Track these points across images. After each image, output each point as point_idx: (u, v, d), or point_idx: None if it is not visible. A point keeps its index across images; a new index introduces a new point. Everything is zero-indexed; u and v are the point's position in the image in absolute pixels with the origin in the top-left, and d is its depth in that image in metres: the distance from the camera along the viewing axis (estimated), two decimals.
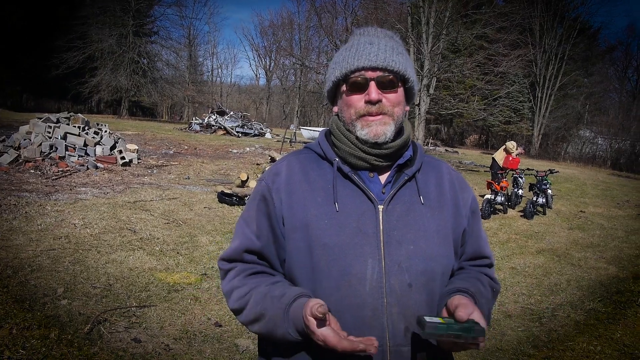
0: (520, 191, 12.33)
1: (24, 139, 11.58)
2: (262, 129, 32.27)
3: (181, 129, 30.47)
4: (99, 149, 12.54)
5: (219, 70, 67.28)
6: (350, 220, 1.32)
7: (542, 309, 5.46)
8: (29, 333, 3.70)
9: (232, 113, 33.39)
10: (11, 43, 34.99)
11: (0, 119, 21.26)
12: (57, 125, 12.11)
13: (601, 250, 8.56)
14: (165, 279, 5.30)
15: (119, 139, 13.54)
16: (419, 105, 23.18)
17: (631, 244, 9.27)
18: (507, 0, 31.68)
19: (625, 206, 14.86)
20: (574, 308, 5.55)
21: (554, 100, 43.00)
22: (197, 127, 30.30)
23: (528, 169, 12.88)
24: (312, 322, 1.14)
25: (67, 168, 10.97)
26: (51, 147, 11.52)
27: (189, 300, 4.81)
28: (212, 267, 5.86)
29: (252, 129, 31.10)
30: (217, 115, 31.89)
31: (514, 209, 12.05)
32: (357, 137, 1.37)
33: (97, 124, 13.60)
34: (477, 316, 1.19)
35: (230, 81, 79.07)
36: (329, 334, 1.14)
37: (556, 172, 12.99)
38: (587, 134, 44.24)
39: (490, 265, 1.52)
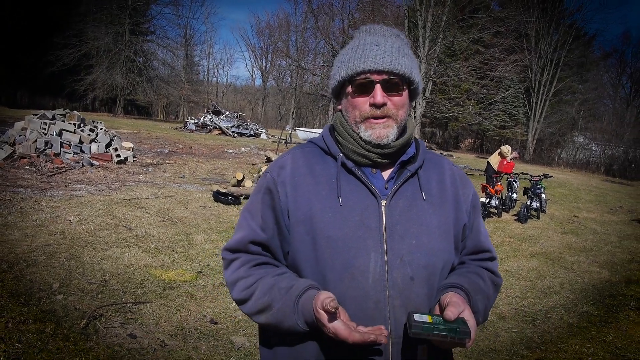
0: (514, 195, 12.38)
1: (19, 135, 11.53)
2: (258, 130, 32.24)
3: (176, 128, 30.41)
4: (94, 146, 12.50)
5: (215, 70, 67.03)
6: (353, 214, 1.34)
7: (536, 311, 5.50)
8: (24, 327, 3.69)
9: (227, 113, 33.32)
10: (7, 40, 34.83)
11: None
12: (52, 122, 12.07)
13: (594, 255, 8.62)
14: (160, 276, 5.30)
15: (114, 136, 13.50)
16: (414, 108, 23.27)
17: (624, 249, 9.34)
18: (503, 6, 31.81)
19: (618, 212, 14.95)
20: (567, 311, 5.59)
21: (548, 105, 43.19)
22: (193, 127, 30.23)
23: (522, 173, 12.94)
24: (324, 316, 1.17)
25: (62, 165, 10.94)
26: (46, 143, 11.48)
27: (185, 298, 4.81)
28: (208, 265, 5.87)
29: (247, 129, 31.07)
30: (213, 115, 31.83)
31: (508, 212, 12.10)
32: (360, 137, 1.39)
33: (93, 122, 13.55)
34: (467, 315, 1.21)
35: (226, 81, 78.82)
36: (340, 326, 1.16)
37: (550, 177, 13.06)
38: (581, 140, 44.47)
39: (492, 259, 1.54)
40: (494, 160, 13.15)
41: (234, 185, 10.62)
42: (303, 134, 29.83)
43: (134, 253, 5.93)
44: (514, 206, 12.45)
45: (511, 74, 27.70)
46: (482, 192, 11.21)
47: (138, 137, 20.12)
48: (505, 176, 12.50)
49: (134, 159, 13.25)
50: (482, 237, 1.53)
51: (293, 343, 1.34)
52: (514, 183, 12.43)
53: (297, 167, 1.43)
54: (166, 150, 16.96)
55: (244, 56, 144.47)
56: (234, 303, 4.59)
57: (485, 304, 1.43)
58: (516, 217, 11.24)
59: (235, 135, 29.29)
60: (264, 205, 1.42)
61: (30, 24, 36.49)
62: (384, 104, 1.34)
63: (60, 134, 11.95)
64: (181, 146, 18.93)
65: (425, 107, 24.48)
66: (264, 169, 11.66)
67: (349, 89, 1.39)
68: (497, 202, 11.15)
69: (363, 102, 1.37)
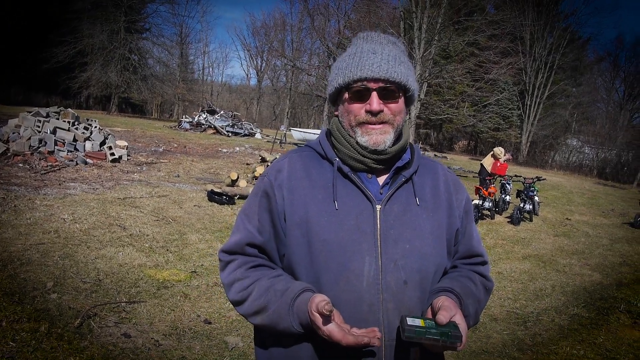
0: (507, 197, 12.45)
1: (13, 133, 11.47)
2: (252, 129, 32.19)
3: (171, 127, 30.31)
4: (88, 144, 12.46)
5: (210, 69, 67.02)
6: (349, 218, 1.36)
7: (527, 313, 5.55)
8: (18, 326, 3.70)
9: (222, 112, 33.25)
10: (2, 37, 34.58)
11: None
12: (46, 119, 12.02)
13: (586, 257, 8.69)
14: (154, 276, 5.30)
15: (108, 135, 13.46)
16: (409, 110, 23.34)
17: (615, 252, 9.42)
18: (498, 9, 31.94)
19: (610, 215, 15.07)
20: (558, 313, 5.64)
21: (542, 108, 43.40)
22: (187, 126, 30.15)
23: (516, 176, 13.02)
24: (318, 318, 1.20)
25: (56, 163, 10.90)
26: (40, 141, 11.43)
27: (179, 297, 4.82)
28: (202, 265, 5.88)
29: (242, 128, 31.01)
30: (207, 114, 31.75)
31: (501, 214, 12.17)
32: (357, 142, 1.41)
33: (87, 120, 13.50)
34: (458, 319, 1.24)
35: (221, 80, 78.60)
36: (334, 329, 1.19)
37: (543, 179, 13.14)
38: (575, 143, 44.73)
39: (484, 263, 1.57)
40: (487, 162, 13.20)
41: (228, 185, 10.63)
42: (298, 134, 29.85)
43: (128, 252, 5.93)
44: (507, 208, 12.51)
45: (506, 77, 27.81)
46: (476, 194, 11.26)
47: (132, 135, 20.07)
48: (499, 178, 12.56)
49: (128, 158, 13.22)
50: (475, 241, 1.56)
51: (288, 344, 1.36)
52: (507, 185, 12.49)
53: (294, 170, 1.45)
54: (160, 149, 16.93)
55: (239, 55, 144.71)
56: (228, 303, 4.62)
57: (476, 308, 1.45)
58: (509, 220, 11.30)
59: (230, 134, 29.24)
60: (261, 208, 1.45)
61: (24, 22, 36.23)
62: (380, 111, 1.37)
63: (54, 132, 11.90)
64: (175, 145, 18.90)
65: (420, 108, 24.57)
66: (258, 168, 11.68)
67: (346, 95, 1.42)
68: (490, 204, 11.21)
69: (359, 109, 1.39)
